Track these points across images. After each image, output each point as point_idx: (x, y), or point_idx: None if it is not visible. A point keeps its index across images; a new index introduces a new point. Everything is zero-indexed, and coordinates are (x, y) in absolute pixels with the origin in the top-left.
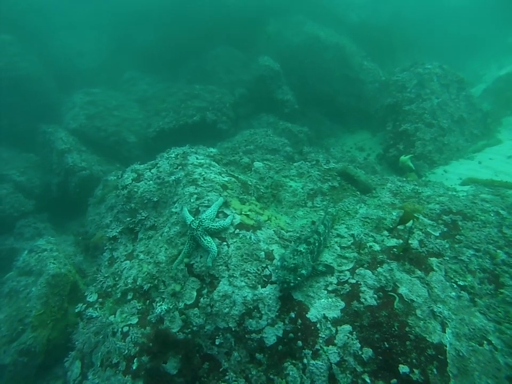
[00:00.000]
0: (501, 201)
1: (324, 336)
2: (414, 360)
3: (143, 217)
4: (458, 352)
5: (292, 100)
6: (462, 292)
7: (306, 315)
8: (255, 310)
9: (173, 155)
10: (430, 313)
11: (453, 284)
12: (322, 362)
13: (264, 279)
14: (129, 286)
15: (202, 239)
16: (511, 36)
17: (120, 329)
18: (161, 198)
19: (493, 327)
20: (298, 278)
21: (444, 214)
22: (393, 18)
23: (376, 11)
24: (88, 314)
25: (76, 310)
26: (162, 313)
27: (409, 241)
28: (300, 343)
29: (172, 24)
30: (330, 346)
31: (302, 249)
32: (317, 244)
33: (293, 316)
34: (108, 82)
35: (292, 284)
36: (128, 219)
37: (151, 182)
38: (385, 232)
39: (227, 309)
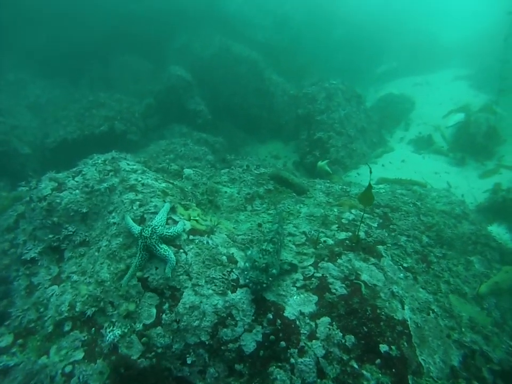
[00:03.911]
0: (413, 194)
1: (305, 332)
2: (390, 338)
3: (70, 233)
4: (417, 324)
5: (205, 110)
6: (407, 272)
7: (284, 314)
8: (229, 318)
9: (99, 161)
10: (391, 294)
11: (400, 267)
12: (309, 358)
13: (233, 283)
14: (65, 314)
15: (157, 247)
16: (378, 67)
17: (60, 371)
18: (92, 209)
19: (432, 298)
20: (270, 278)
21: (375, 207)
22: (293, 41)
23: (279, 35)
24: (1, 365)
25: None
26: (116, 340)
27: (358, 233)
28: (283, 343)
29: (68, 27)
30: (313, 341)
31: (269, 248)
32: (279, 244)
33: (271, 317)
34: None
35: (264, 285)
36: (50, 236)
37: (77, 191)
38: (334, 227)
39: (197, 322)
